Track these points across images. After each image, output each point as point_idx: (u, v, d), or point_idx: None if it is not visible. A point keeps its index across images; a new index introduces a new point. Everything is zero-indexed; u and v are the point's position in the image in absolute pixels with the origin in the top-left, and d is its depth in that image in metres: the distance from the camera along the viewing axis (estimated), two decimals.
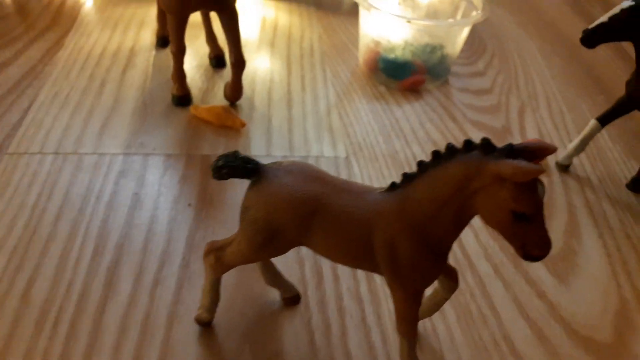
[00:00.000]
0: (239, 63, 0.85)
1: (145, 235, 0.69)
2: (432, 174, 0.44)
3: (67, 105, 0.88)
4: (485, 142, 0.42)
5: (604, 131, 0.97)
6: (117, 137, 0.83)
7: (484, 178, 0.41)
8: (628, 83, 0.79)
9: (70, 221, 0.70)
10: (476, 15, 0.97)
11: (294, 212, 0.47)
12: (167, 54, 0.93)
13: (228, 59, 0.87)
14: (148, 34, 1.08)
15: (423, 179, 0.45)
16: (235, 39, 0.82)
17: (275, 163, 0.50)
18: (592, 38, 0.74)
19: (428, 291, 0.54)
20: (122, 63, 0.99)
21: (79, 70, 0.96)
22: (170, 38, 0.83)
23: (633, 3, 0.71)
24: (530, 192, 0.40)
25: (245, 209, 0.49)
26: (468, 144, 0.43)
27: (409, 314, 0.51)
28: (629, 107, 0.80)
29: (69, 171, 0.77)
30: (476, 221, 0.76)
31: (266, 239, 0.49)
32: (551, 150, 0.41)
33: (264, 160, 0.52)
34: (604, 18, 0.73)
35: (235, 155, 0.49)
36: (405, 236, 0.46)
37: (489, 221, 0.43)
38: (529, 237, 0.42)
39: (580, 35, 0.75)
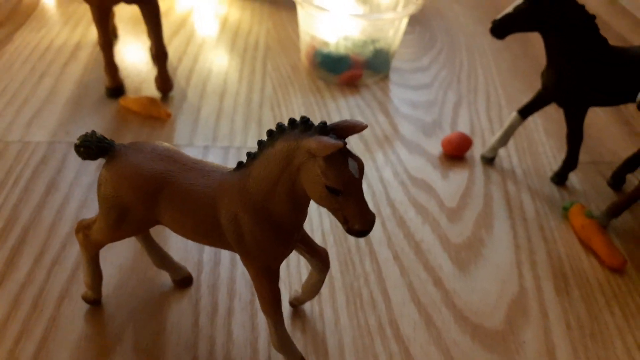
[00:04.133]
0: (161, 55, 0.87)
1: (53, 218, 0.72)
2: (266, 152, 0.46)
3: (2, 96, 0.91)
4: (304, 120, 0.43)
5: (539, 126, 0.97)
6: (45, 127, 0.86)
7: (302, 154, 0.43)
8: (542, 75, 0.79)
9: None
10: (403, 10, 0.97)
11: (139, 189, 0.49)
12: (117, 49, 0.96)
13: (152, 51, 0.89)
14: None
15: (260, 157, 0.46)
16: (156, 31, 0.84)
17: (132, 143, 0.52)
18: (500, 29, 0.75)
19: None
20: (65, 57, 1.02)
21: (22, 64, 0.99)
22: (96, 31, 0.85)
23: None
24: (339, 167, 0.41)
25: (98, 186, 0.51)
26: (292, 122, 0.44)
27: (266, 291, 0.52)
28: (545, 98, 0.80)
29: None
30: (384, 210, 0.77)
31: (119, 215, 0.51)
32: (359, 127, 0.42)
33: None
34: (509, 9, 0.74)
35: (92, 135, 0.51)
36: (247, 213, 0.48)
37: (313, 197, 0.44)
38: (348, 212, 0.43)
39: None
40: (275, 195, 0.46)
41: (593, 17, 0.73)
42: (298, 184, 0.45)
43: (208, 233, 0.50)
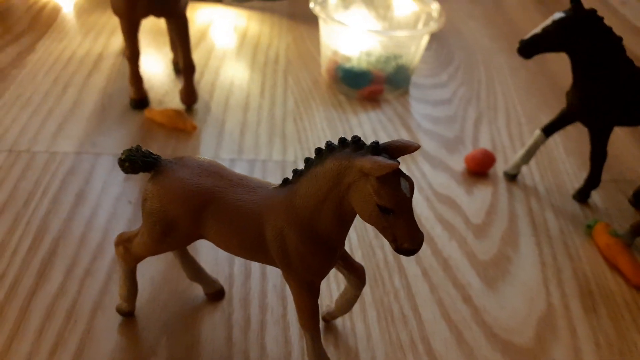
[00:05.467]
0: (189, 68, 0.88)
1: (83, 230, 0.72)
2: (314, 170, 0.46)
3: (28, 106, 0.92)
4: (355, 140, 0.44)
5: (559, 143, 0.98)
6: (71, 138, 0.86)
7: (353, 173, 0.43)
8: (567, 94, 0.80)
9: (13, 214, 0.73)
10: (425, 28, 0.99)
11: (187, 204, 0.49)
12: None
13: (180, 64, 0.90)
14: (118, 40, 1.11)
15: (308, 175, 0.47)
16: (184, 44, 0.85)
17: (177, 158, 0.52)
18: (527, 49, 0.76)
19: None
20: (88, 68, 1.03)
21: (45, 74, 1.00)
22: (124, 43, 0.86)
23: (564, 15, 0.73)
24: (392, 187, 0.42)
25: (143, 201, 0.51)
26: (342, 141, 0.44)
27: (307, 307, 0.52)
28: (570, 117, 0.81)
29: (20, 167, 0.80)
30: None
31: (164, 230, 0.51)
32: (413, 148, 0.43)
33: None
34: (537, 29, 0.75)
35: (137, 149, 0.51)
36: (293, 229, 0.48)
37: (362, 216, 0.44)
38: (398, 230, 0.43)
39: None
40: (322, 212, 0.47)
41: (620, 38, 0.74)
42: (346, 201, 0.45)
43: (253, 248, 0.50)
